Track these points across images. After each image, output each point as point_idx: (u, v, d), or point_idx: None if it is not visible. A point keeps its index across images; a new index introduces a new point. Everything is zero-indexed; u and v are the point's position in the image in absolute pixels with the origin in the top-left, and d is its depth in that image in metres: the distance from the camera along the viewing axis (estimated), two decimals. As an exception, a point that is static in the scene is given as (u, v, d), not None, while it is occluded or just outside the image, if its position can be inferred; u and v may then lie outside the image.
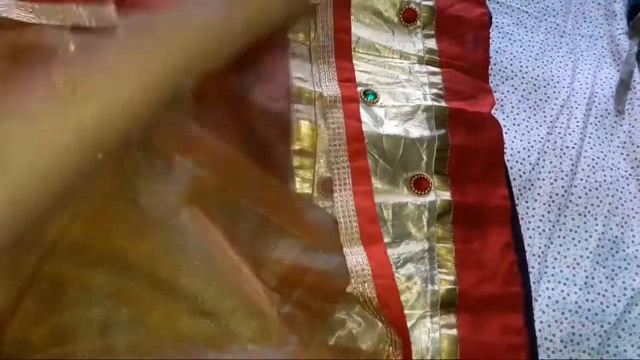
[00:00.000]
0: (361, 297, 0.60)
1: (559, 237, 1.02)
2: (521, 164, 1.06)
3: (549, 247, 1.01)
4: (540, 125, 1.12)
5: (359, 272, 0.61)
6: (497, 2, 1.24)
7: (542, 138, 1.10)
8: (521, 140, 1.10)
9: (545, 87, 1.16)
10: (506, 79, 1.16)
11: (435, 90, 0.77)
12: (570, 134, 1.11)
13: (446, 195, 0.72)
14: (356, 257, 0.62)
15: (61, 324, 0.50)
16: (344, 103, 0.70)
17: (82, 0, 0.63)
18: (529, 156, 1.08)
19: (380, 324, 0.61)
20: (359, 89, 0.74)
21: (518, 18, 1.24)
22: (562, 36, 1.24)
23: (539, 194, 1.05)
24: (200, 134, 0.63)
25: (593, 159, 1.09)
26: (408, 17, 0.80)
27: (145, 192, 0.57)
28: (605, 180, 1.07)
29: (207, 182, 0.63)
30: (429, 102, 0.75)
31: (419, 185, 0.71)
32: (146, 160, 0.60)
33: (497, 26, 1.21)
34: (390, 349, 0.59)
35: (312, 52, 0.75)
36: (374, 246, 0.65)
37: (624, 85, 1.15)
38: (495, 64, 1.16)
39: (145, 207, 0.57)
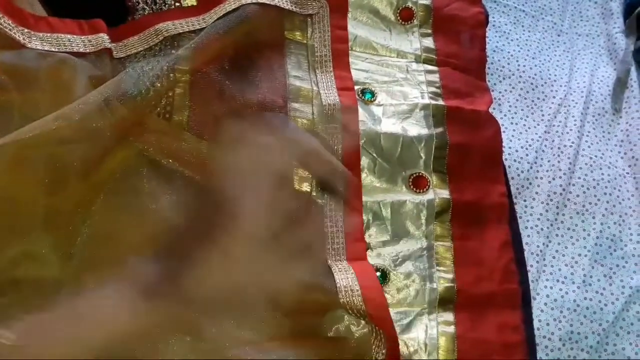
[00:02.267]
0: (350, 309, 0.60)
1: (557, 235, 1.02)
2: (519, 162, 1.06)
3: (547, 246, 1.01)
4: (538, 124, 1.12)
5: (347, 287, 0.61)
6: (494, 1, 1.24)
7: (539, 137, 1.10)
8: (519, 139, 1.10)
9: (542, 85, 1.16)
10: (503, 78, 1.16)
11: (432, 89, 0.77)
12: (567, 133, 1.11)
13: (445, 193, 0.72)
14: (344, 273, 0.62)
15: None
16: (344, 114, 0.70)
17: (78, 32, 0.65)
18: (526, 155, 1.08)
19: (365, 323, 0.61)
20: (356, 87, 0.74)
21: (515, 17, 1.24)
22: (559, 35, 1.24)
23: (537, 193, 1.05)
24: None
25: (591, 158, 1.09)
26: (405, 16, 0.80)
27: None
28: (602, 179, 1.07)
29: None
30: (427, 101, 0.75)
31: (418, 184, 0.71)
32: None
33: (494, 25, 1.21)
34: (376, 342, 0.60)
35: (309, 53, 0.76)
36: (358, 261, 0.65)
37: (621, 84, 1.15)
38: (492, 63, 1.16)
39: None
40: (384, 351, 0.59)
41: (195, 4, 0.71)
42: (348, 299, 0.59)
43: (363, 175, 0.70)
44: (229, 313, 0.56)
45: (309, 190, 0.68)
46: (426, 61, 0.79)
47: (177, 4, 0.70)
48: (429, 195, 0.71)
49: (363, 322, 0.61)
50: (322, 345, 0.59)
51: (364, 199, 0.69)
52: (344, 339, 0.61)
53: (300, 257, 0.61)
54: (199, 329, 0.54)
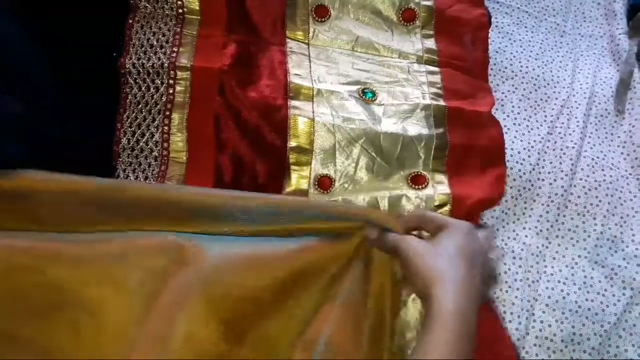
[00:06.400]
0: None
1: (557, 236, 1.01)
2: (521, 164, 1.06)
3: (547, 247, 1.00)
4: (541, 125, 1.12)
5: None
6: (497, 2, 1.23)
7: (542, 138, 1.10)
8: (522, 141, 1.09)
9: (545, 86, 1.16)
10: (506, 79, 1.16)
11: (434, 90, 0.77)
12: (570, 134, 1.10)
13: (444, 189, 0.72)
14: None
15: None
16: None
17: None
18: (529, 157, 1.07)
19: None
20: (357, 87, 0.74)
21: (518, 18, 1.24)
22: (562, 36, 1.24)
23: (538, 195, 1.04)
24: None
25: (593, 159, 1.08)
26: (407, 17, 0.80)
27: None
28: (604, 180, 1.06)
29: None
30: (428, 101, 0.75)
31: (417, 181, 0.72)
32: None
33: (496, 26, 1.20)
34: None
35: (311, 51, 0.76)
36: None
37: (624, 85, 1.15)
38: (495, 64, 1.16)
39: None
40: None
41: (198, 8, 0.71)
42: None
43: (361, 174, 0.70)
44: None
45: (306, 188, 0.68)
46: (428, 62, 0.80)
47: (180, 2, 0.71)
48: (428, 190, 0.71)
49: None
50: None
51: (361, 196, 0.69)
52: None
53: None
54: None
